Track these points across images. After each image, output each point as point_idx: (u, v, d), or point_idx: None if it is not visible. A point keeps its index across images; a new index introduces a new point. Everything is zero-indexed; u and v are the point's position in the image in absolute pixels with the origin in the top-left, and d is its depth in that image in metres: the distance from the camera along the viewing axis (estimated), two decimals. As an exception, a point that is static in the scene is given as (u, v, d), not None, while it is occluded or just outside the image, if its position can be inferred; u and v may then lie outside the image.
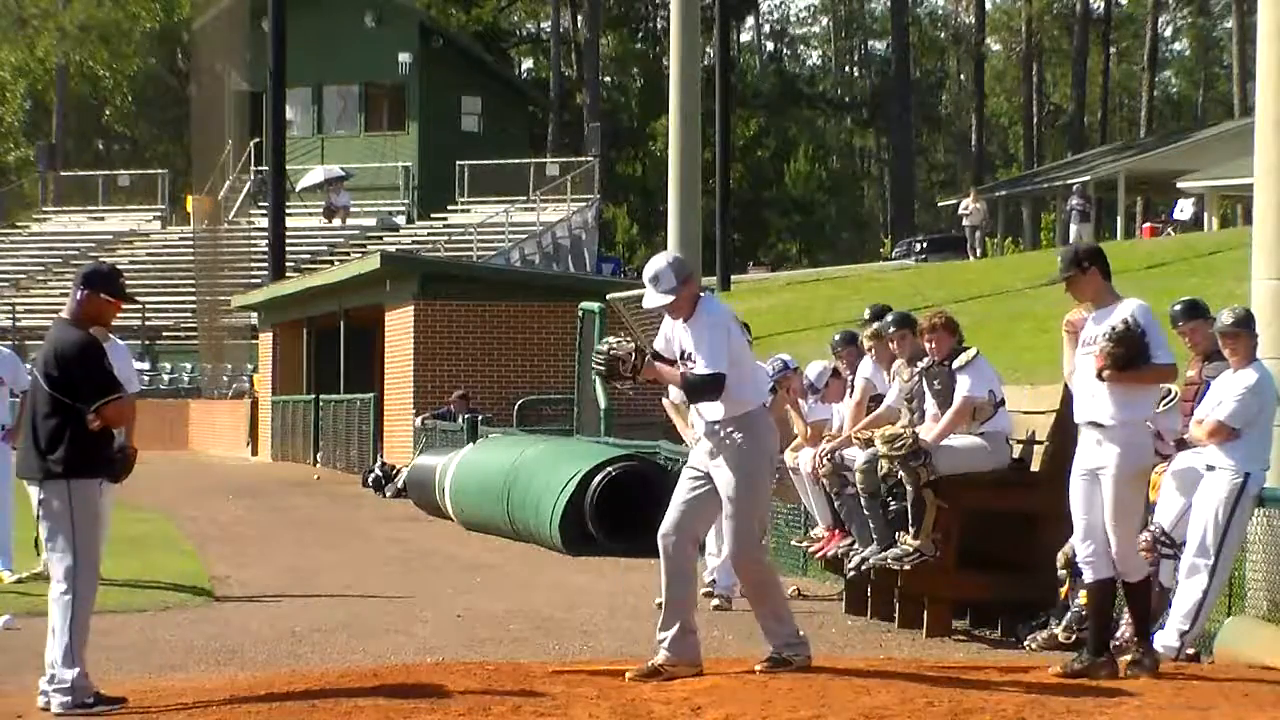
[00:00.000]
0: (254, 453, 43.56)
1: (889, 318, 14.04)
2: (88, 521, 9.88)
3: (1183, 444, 11.65)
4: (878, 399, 14.29)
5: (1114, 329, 10.37)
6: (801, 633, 10.84)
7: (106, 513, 14.58)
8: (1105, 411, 10.49)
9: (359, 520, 25.66)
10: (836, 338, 15.68)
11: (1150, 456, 10.88)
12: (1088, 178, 63.42)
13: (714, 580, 15.33)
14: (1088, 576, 10.85)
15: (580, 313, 27.89)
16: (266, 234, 49.37)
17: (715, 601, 15.08)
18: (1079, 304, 10.94)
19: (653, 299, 10.40)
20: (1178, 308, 12.07)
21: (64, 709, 9.71)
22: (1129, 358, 10.33)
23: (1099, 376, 10.41)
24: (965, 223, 58.79)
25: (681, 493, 10.67)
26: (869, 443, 13.35)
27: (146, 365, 49.20)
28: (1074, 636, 11.87)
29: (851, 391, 14.67)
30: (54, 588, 9.90)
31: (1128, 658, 10.82)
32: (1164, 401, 12.01)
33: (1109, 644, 10.92)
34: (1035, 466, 13.34)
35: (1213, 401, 11.39)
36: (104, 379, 9.88)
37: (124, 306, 10.32)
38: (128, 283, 10.46)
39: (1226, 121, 72.70)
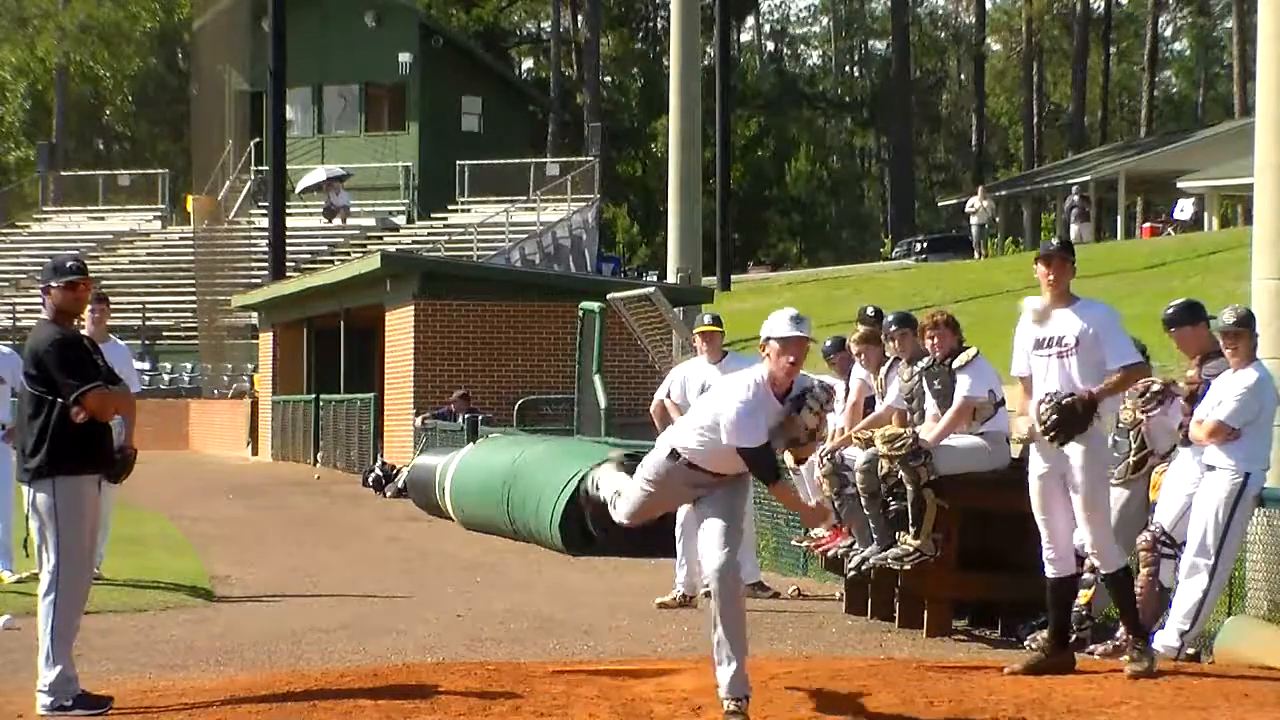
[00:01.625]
0: (254, 452, 43.57)
1: (890, 316, 14.04)
2: (73, 520, 9.77)
3: (1185, 441, 11.66)
4: (871, 400, 14.32)
5: (1054, 400, 10.50)
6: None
7: (107, 512, 14.65)
8: None
9: (359, 520, 25.64)
10: (827, 344, 15.65)
11: (1108, 449, 11.02)
12: (1088, 178, 63.45)
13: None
14: (1050, 573, 10.97)
15: (580, 313, 27.91)
16: (266, 234, 49.38)
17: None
18: (1045, 291, 10.87)
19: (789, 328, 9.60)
20: (1169, 312, 11.96)
21: (44, 710, 9.71)
22: (1070, 429, 10.50)
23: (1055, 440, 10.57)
24: (972, 220, 58.74)
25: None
26: (869, 443, 13.35)
27: (146, 365, 49.12)
28: (1074, 636, 11.87)
29: (847, 395, 14.67)
30: (40, 587, 9.90)
31: (1128, 657, 10.83)
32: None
33: (1069, 638, 11.10)
34: (1035, 466, 13.33)
35: (1213, 401, 11.39)
36: (79, 369, 9.77)
37: (91, 286, 10.21)
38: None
39: (1226, 121, 72.68)
